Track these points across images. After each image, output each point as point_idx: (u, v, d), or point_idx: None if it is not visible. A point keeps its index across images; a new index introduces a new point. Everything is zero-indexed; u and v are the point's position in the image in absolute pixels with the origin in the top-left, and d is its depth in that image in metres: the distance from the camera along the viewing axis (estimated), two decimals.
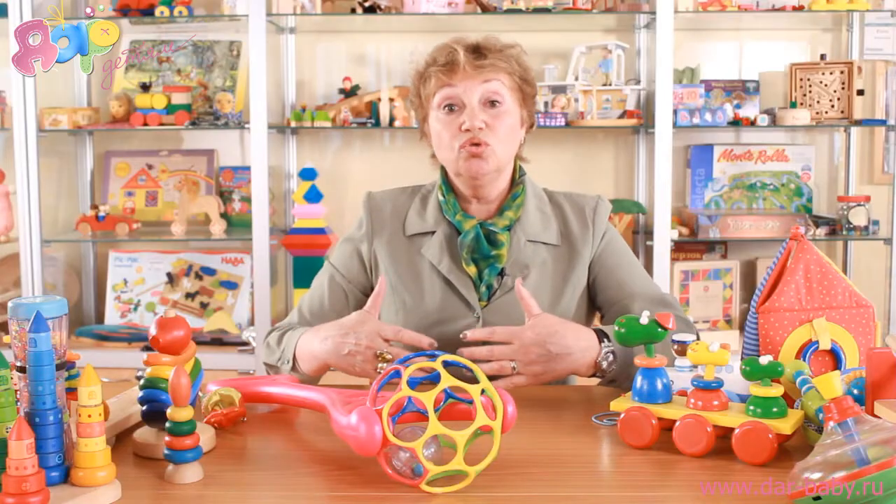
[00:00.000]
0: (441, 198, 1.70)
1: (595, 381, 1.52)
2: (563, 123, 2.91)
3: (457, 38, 1.66)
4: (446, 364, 1.15)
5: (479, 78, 1.61)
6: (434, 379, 1.13)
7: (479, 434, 1.14)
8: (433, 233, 1.69)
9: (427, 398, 1.09)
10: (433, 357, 1.16)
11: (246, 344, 2.94)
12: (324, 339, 1.52)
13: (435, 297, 1.65)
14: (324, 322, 1.67)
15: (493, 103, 1.62)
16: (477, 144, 1.61)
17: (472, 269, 1.64)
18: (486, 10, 2.90)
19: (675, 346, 1.37)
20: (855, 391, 1.24)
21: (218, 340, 2.99)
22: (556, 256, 1.68)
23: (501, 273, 1.65)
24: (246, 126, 2.95)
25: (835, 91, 3.02)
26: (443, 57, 1.63)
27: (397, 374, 1.15)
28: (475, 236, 1.64)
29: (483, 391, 1.15)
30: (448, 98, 1.63)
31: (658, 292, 1.68)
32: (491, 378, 1.32)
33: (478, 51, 1.63)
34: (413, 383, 1.16)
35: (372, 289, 1.72)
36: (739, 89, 3.12)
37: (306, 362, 1.56)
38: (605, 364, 1.46)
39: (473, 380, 1.17)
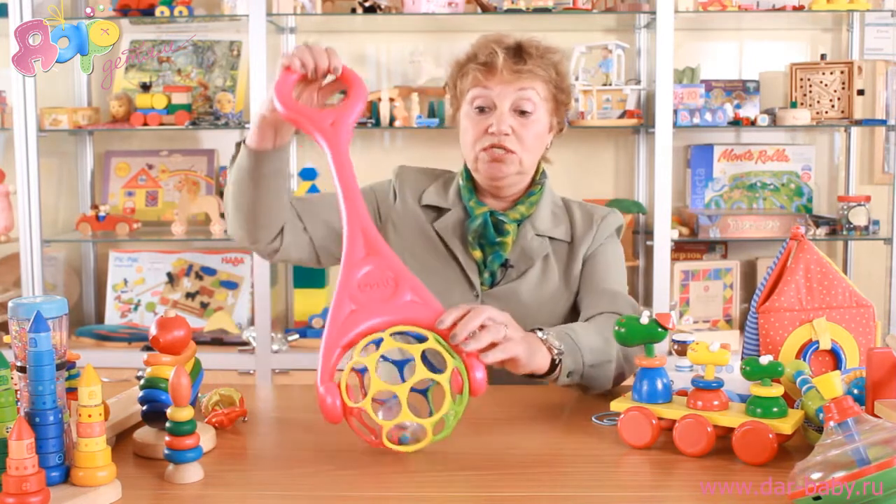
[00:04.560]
0: (461, 182, 1.72)
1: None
2: None
3: (499, 36, 1.66)
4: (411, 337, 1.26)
5: (515, 85, 1.62)
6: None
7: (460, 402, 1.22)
8: (448, 210, 1.71)
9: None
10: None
11: (246, 344, 2.94)
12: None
13: (439, 269, 1.67)
14: (309, 210, 1.65)
15: (523, 112, 1.63)
16: (500, 149, 1.62)
17: (476, 254, 1.67)
18: (486, 10, 2.90)
19: (676, 346, 1.37)
20: (855, 391, 1.24)
21: (218, 340, 2.99)
22: (559, 254, 1.70)
23: (505, 265, 1.66)
24: (246, 126, 2.95)
25: (835, 91, 3.02)
26: (483, 55, 1.64)
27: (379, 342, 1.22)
28: (483, 222, 1.66)
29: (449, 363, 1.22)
30: (480, 98, 1.64)
31: (613, 288, 1.67)
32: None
33: (518, 54, 1.63)
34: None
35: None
36: (739, 89, 3.12)
37: (253, 134, 1.50)
38: (548, 337, 1.40)
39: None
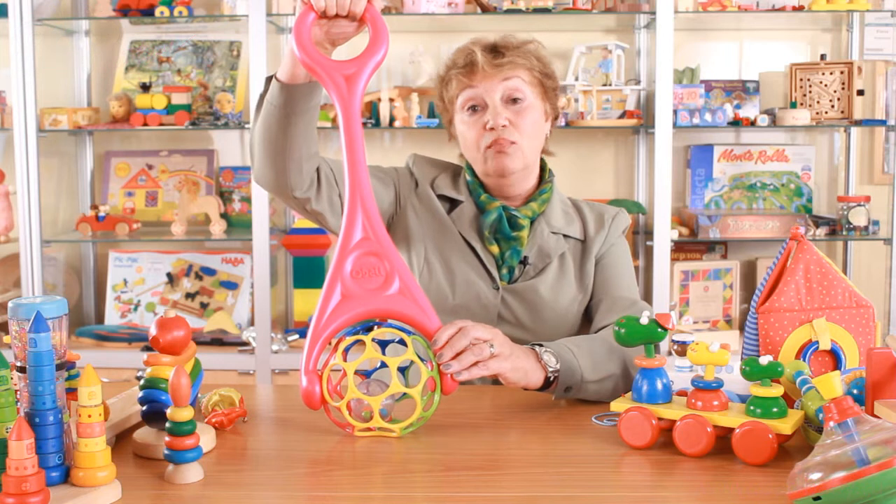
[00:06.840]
0: (468, 178, 1.72)
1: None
2: (563, 123, 2.91)
3: (474, 39, 1.68)
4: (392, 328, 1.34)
5: (499, 77, 1.63)
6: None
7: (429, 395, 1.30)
8: (461, 203, 1.71)
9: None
10: (365, 330, 1.32)
11: (246, 344, 2.94)
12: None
13: (461, 261, 1.67)
14: (332, 172, 1.62)
15: (514, 100, 1.64)
16: (502, 142, 1.62)
17: (494, 249, 1.67)
18: (486, 10, 2.90)
19: (676, 346, 1.37)
20: (855, 391, 1.24)
21: (218, 340, 2.99)
22: (574, 253, 1.71)
23: (524, 262, 1.67)
24: (246, 126, 2.95)
25: (835, 91, 3.02)
26: (462, 59, 1.65)
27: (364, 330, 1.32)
28: (497, 217, 1.66)
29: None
30: (470, 99, 1.65)
31: (630, 296, 1.68)
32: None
33: (495, 50, 1.65)
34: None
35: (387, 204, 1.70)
36: (739, 89, 3.12)
37: (285, 66, 1.44)
38: (545, 356, 1.40)
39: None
